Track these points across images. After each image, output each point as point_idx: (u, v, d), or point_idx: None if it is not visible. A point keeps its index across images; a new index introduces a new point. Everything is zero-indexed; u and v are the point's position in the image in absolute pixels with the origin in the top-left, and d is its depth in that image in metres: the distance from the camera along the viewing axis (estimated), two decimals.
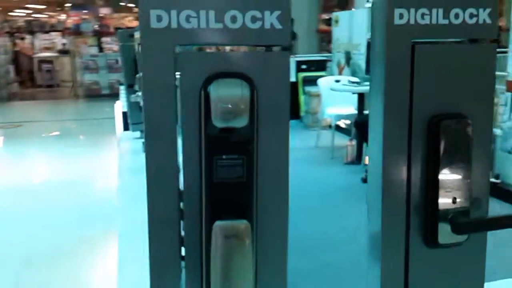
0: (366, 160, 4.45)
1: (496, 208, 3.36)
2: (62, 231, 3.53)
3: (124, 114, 4.06)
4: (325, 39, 13.17)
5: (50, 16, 15.20)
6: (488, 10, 0.86)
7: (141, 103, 2.76)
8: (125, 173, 2.42)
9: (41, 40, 13.93)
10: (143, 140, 2.82)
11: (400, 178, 0.87)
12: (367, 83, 4.92)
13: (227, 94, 0.73)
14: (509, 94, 3.61)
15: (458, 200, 0.87)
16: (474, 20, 0.85)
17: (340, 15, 6.30)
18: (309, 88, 6.44)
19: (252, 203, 0.77)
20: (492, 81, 0.90)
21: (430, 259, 0.90)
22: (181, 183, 0.79)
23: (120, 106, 4.51)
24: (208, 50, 0.78)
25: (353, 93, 4.89)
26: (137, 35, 2.33)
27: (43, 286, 2.75)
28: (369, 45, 5.52)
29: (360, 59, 5.75)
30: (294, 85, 6.49)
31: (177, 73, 0.75)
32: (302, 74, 6.67)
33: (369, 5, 5.56)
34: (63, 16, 14.58)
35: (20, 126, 8.30)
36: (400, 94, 0.85)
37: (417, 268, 0.89)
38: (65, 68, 13.11)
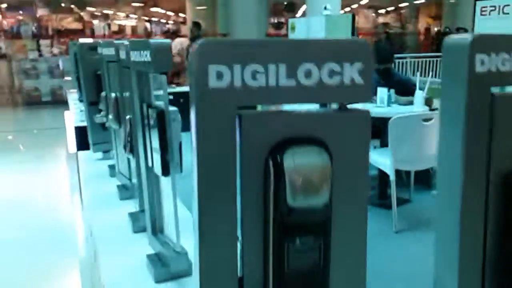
0: None
1: None
2: (10, 262, 3.21)
3: (79, 130, 3.77)
4: None
5: None
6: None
7: (107, 124, 2.55)
8: (92, 201, 2.19)
9: None
10: (109, 162, 2.60)
11: (477, 241, 0.77)
12: None
13: (305, 165, 0.59)
14: None
15: None
16: None
17: (297, 22, 6.27)
18: None
19: None
20: None
21: None
22: (239, 269, 0.64)
23: (72, 119, 4.20)
24: (276, 111, 0.63)
25: None
26: (106, 51, 2.11)
27: None
28: None
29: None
30: None
31: (238, 140, 0.61)
32: None
33: (327, 12, 5.58)
34: None
35: None
36: (480, 147, 0.75)
37: None
38: (1, 74, 12.29)
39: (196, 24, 9.02)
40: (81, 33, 13.03)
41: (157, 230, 1.49)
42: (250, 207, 0.62)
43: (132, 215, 1.77)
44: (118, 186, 2.17)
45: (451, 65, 0.74)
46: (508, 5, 3.33)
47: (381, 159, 3.44)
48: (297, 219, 0.60)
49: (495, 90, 0.75)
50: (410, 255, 3.00)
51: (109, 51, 2.10)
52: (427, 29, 17.11)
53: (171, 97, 1.45)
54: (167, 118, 1.30)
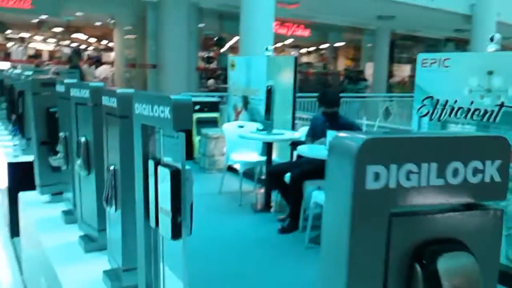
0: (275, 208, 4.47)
1: None
2: None
3: (14, 167, 3.43)
4: (204, 76, 13.28)
5: None
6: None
7: (63, 167, 2.33)
8: (50, 251, 1.99)
9: None
10: (63, 208, 2.36)
11: None
12: (277, 131, 4.96)
13: (459, 271, 0.55)
14: None
15: None
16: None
17: (237, 60, 6.32)
18: (205, 130, 6.30)
19: None
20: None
21: None
22: None
23: (2, 155, 3.82)
24: (423, 212, 0.58)
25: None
26: (77, 92, 1.96)
27: None
28: (268, 92, 5.60)
29: (259, 105, 5.79)
30: None
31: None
32: (196, 115, 6.50)
33: (269, 53, 5.69)
34: None
35: None
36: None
37: None
38: None
39: (76, 52, 8.89)
40: None
41: None
42: None
43: (109, 274, 1.61)
44: (82, 237, 1.98)
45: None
46: (448, 58, 3.61)
47: None
48: None
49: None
50: None
51: (81, 93, 1.94)
52: (346, 70, 18.16)
53: None
54: (182, 179, 1.20)
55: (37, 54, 15.19)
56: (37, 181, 2.60)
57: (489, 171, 0.59)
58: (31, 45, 15.45)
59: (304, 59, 18.01)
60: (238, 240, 4.00)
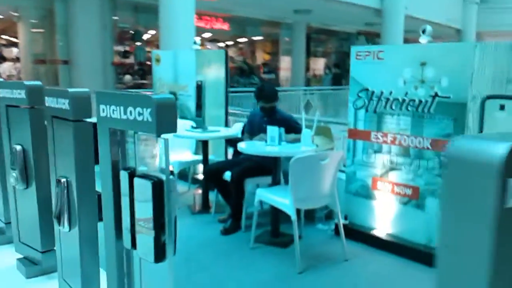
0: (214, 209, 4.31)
1: (340, 246, 3.59)
2: None
3: None
4: (120, 72, 12.65)
5: None
6: None
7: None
8: None
9: None
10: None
11: None
12: (212, 128, 4.80)
13: None
14: (350, 140, 3.96)
15: None
16: None
17: (162, 54, 6.03)
18: None
19: None
20: None
21: None
22: None
23: None
24: None
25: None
26: (7, 93, 1.72)
27: None
28: (198, 87, 5.42)
29: (188, 101, 5.59)
30: None
31: None
32: None
33: (197, 47, 5.49)
34: None
35: None
36: None
37: None
38: None
39: None
40: None
41: None
42: None
43: None
44: (20, 260, 1.72)
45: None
46: (382, 51, 3.69)
47: (279, 199, 3.43)
48: None
49: None
50: None
51: (12, 94, 1.68)
52: (264, 64, 18.32)
53: None
54: (166, 191, 1.04)
55: None
56: None
57: None
58: None
59: None
60: (178, 244, 3.80)
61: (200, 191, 4.59)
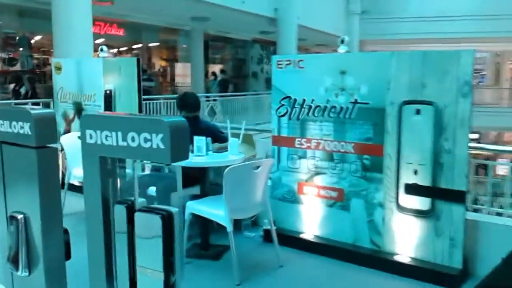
0: None
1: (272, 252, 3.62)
2: None
3: None
4: (4, 81, 11.51)
5: None
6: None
7: None
8: None
9: None
10: None
11: None
12: None
13: None
14: (275, 147, 4.01)
15: None
16: None
17: (64, 62, 5.59)
18: None
19: None
20: None
21: None
22: None
23: None
24: None
25: None
26: None
27: None
28: (108, 96, 5.13)
29: (96, 111, 5.24)
30: None
31: None
32: None
33: (104, 54, 5.19)
34: None
35: None
36: None
37: None
38: None
39: None
40: None
41: None
42: None
43: None
44: None
45: None
46: (302, 60, 3.80)
47: (213, 211, 3.35)
48: None
49: None
50: None
51: None
52: (144, 71, 17.93)
53: None
54: (176, 225, 0.94)
55: None
56: None
57: None
58: None
59: None
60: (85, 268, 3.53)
61: None
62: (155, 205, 0.93)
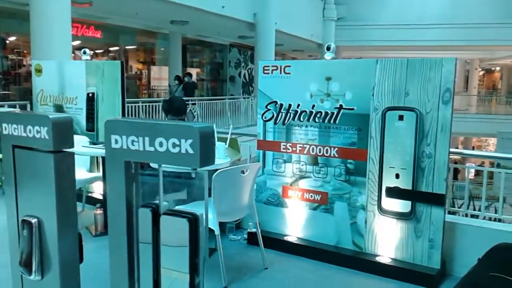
0: None
1: (257, 255, 3.67)
2: None
3: None
4: None
5: None
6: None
7: None
8: None
9: None
10: None
11: None
12: None
13: None
14: (260, 151, 4.08)
15: None
16: None
17: (45, 64, 5.52)
18: None
19: None
20: None
21: None
22: None
23: None
24: None
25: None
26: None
27: None
28: (90, 99, 5.10)
29: (78, 114, 5.21)
30: None
31: None
32: None
33: (87, 57, 5.16)
34: None
35: None
36: None
37: None
38: None
39: None
40: None
41: None
42: None
43: None
44: None
45: None
46: (289, 66, 3.88)
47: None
48: None
49: None
50: None
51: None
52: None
53: None
54: (201, 228, 0.99)
55: None
56: None
57: None
58: None
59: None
60: (87, 271, 3.50)
61: (101, 211, 4.30)
62: (179, 209, 0.97)
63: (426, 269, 3.40)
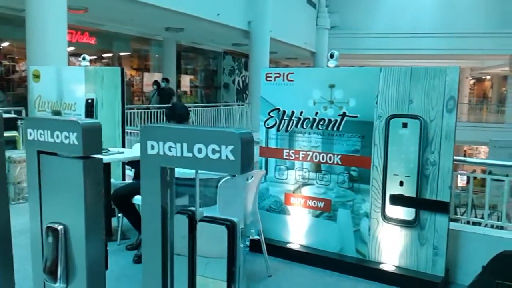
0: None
1: (260, 262, 3.65)
2: None
3: None
4: None
5: None
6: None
7: None
8: None
9: None
10: None
11: None
12: (114, 150, 4.48)
13: None
14: (262, 158, 4.07)
15: None
16: None
17: (42, 70, 5.49)
18: (8, 152, 5.27)
19: None
20: None
21: None
22: None
23: None
24: None
25: None
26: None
27: None
28: (89, 106, 5.07)
29: None
30: None
31: None
32: None
33: (86, 63, 5.13)
34: None
35: None
36: None
37: None
38: None
39: None
40: None
41: None
42: None
43: None
44: None
45: None
46: (292, 73, 3.89)
47: None
48: None
49: None
50: None
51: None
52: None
53: None
54: (238, 235, 0.98)
55: None
56: None
57: None
58: None
59: None
60: None
61: None
62: (216, 216, 0.96)
63: (430, 276, 3.40)
